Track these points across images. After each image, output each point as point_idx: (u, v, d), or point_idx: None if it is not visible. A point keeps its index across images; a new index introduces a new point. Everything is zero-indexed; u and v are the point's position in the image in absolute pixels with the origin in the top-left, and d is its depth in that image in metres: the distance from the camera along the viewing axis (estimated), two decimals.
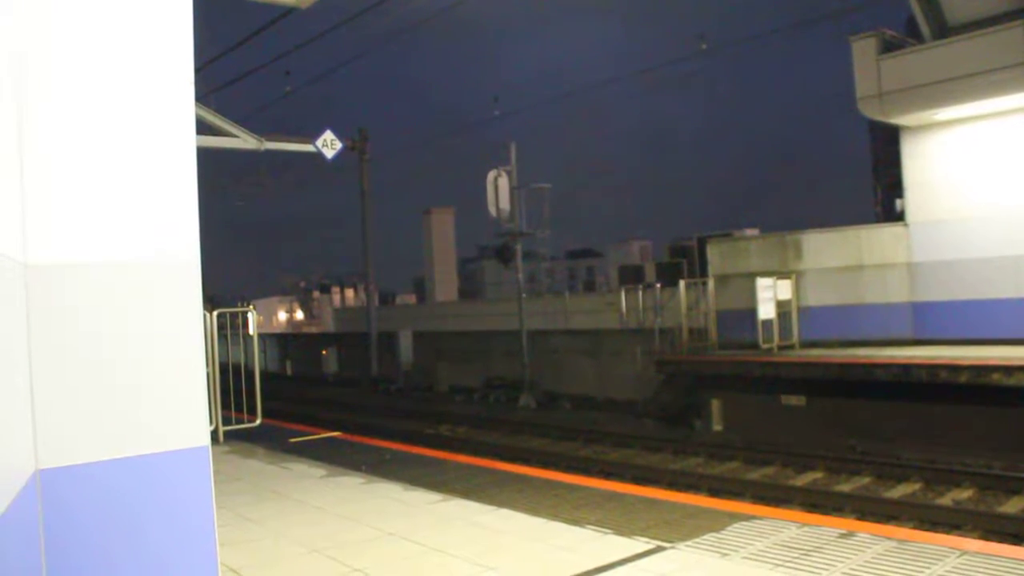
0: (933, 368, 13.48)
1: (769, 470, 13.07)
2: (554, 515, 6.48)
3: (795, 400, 15.64)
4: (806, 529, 5.76)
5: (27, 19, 2.86)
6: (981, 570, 4.71)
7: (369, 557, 5.57)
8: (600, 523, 6.18)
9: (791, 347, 17.78)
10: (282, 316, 64.41)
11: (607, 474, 12.79)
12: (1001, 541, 8.07)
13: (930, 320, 16.90)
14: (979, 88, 15.26)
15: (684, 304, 19.11)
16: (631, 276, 29.19)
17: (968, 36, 15.73)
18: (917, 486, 11.58)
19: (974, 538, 8.44)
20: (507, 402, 23.32)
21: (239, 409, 11.26)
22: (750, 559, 5.15)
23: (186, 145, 3.23)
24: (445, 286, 39.03)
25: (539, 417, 20.47)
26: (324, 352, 34.42)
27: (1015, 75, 14.77)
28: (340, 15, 19.70)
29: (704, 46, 22.47)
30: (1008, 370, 12.56)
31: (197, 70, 3.37)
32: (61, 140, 2.93)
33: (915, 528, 8.79)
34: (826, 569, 4.89)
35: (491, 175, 22.42)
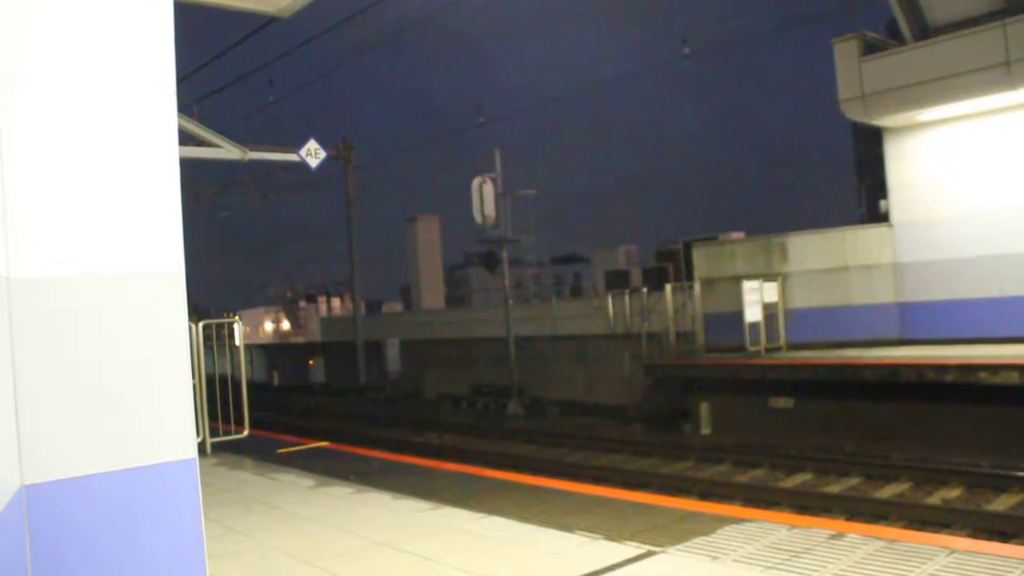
0: (920, 368, 13.55)
1: (759, 472, 13.09)
2: (544, 521, 6.46)
3: (783, 402, 15.68)
4: (796, 531, 5.77)
5: (7, 30, 2.84)
6: (971, 568, 4.72)
7: (359, 567, 5.55)
8: (590, 528, 6.17)
9: (778, 349, 17.84)
10: (268, 326, 64.12)
11: (597, 479, 12.78)
12: (990, 539, 8.12)
13: (916, 320, 16.99)
14: (961, 89, 15.36)
15: (671, 308, 19.15)
16: (618, 281, 29.21)
17: (949, 37, 15.84)
18: (906, 486, 11.62)
19: (963, 536, 8.48)
20: (495, 409, 23.29)
21: (226, 421, 11.21)
22: (741, 562, 5.15)
23: (169, 156, 3.21)
24: (431, 294, 39.01)
25: (528, 423, 20.46)
26: (311, 362, 34.33)
27: (996, 75, 14.88)
28: (326, 23, 19.72)
29: (687, 51, 22.51)
30: (994, 369, 12.64)
31: (179, 80, 3.36)
32: (42, 153, 2.91)
33: (905, 528, 8.81)
34: (816, 571, 4.89)
35: (476, 182, 22.41)
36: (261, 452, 10.83)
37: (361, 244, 33.82)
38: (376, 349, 30.29)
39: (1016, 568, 4.68)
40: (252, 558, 5.94)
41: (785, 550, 5.33)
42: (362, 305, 34.86)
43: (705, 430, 16.92)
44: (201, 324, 10.60)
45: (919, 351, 15.44)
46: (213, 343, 11.55)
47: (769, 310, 17.81)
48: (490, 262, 24.56)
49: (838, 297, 18.00)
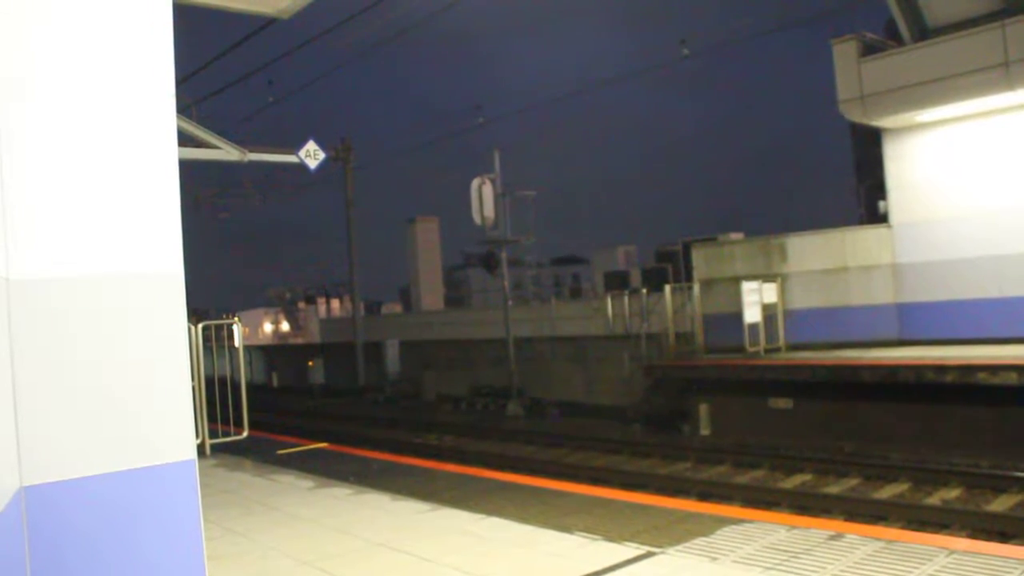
0: (919, 369, 13.55)
1: (758, 473, 13.09)
2: (543, 522, 6.46)
3: (783, 403, 15.68)
4: (795, 532, 5.77)
5: (6, 31, 2.84)
6: (970, 569, 4.72)
7: (358, 569, 5.55)
8: (589, 529, 6.17)
9: (777, 350, 17.84)
10: (268, 328, 64.08)
11: (596, 480, 12.78)
12: (989, 539, 8.13)
13: (915, 321, 16.99)
14: (960, 89, 15.37)
15: (670, 309, 19.15)
16: (617, 282, 29.14)
17: (948, 38, 15.85)
18: (905, 486, 11.62)
19: (962, 537, 8.48)
20: (495, 410, 23.28)
21: (226, 422, 11.20)
22: (740, 563, 5.15)
23: (168, 157, 3.21)
24: (431, 295, 38.97)
25: (527, 424, 20.45)
26: (310, 363, 34.30)
27: (995, 76, 14.88)
28: (326, 24, 19.75)
29: (686, 51, 22.50)
30: (993, 369, 12.64)
31: (179, 82, 3.36)
32: (42, 154, 2.91)
33: (904, 528, 8.82)
34: (816, 571, 4.89)
35: (475, 183, 22.41)
36: (260, 453, 10.84)
37: (361, 245, 33.86)
38: (375, 350, 30.28)
39: (1015, 568, 4.68)
40: (251, 559, 5.94)
41: (784, 551, 5.34)
42: (361, 306, 34.86)
43: (704, 431, 16.92)
44: (200, 325, 10.59)
45: (918, 352, 15.45)
46: (212, 344, 11.54)
47: (768, 311, 17.80)
48: (490, 263, 24.57)
49: (837, 298, 18.00)
